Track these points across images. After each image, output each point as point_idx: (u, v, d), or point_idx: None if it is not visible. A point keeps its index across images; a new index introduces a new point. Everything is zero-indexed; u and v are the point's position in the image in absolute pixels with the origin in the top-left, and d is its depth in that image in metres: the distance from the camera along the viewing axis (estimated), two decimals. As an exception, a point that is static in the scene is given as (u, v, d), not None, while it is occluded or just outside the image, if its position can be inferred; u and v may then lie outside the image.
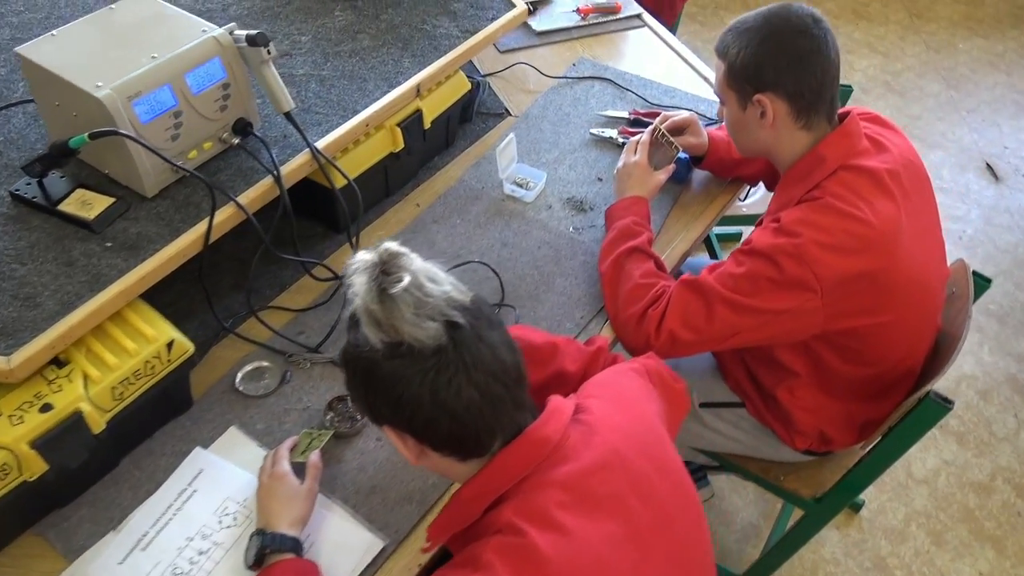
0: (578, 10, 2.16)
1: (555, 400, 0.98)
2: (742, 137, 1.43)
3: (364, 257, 0.86)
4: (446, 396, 0.85)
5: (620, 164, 1.58)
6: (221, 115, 1.32)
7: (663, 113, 1.67)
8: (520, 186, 1.68)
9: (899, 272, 1.30)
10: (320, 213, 1.57)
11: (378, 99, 1.49)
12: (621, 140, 1.78)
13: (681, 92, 1.95)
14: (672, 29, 2.75)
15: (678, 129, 1.64)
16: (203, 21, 1.30)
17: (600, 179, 1.72)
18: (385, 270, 0.84)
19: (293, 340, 1.38)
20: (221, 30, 1.29)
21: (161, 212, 1.26)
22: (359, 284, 0.85)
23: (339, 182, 1.46)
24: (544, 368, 1.24)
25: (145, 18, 1.30)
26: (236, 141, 1.34)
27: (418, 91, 1.55)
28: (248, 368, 1.35)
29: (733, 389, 1.60)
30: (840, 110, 1.39)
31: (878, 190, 1.30)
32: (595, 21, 2.17)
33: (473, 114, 1.84)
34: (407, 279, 0.83)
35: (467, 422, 0.87)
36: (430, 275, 0.87)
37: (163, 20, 1.30)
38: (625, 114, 1.85)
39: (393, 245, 0.86)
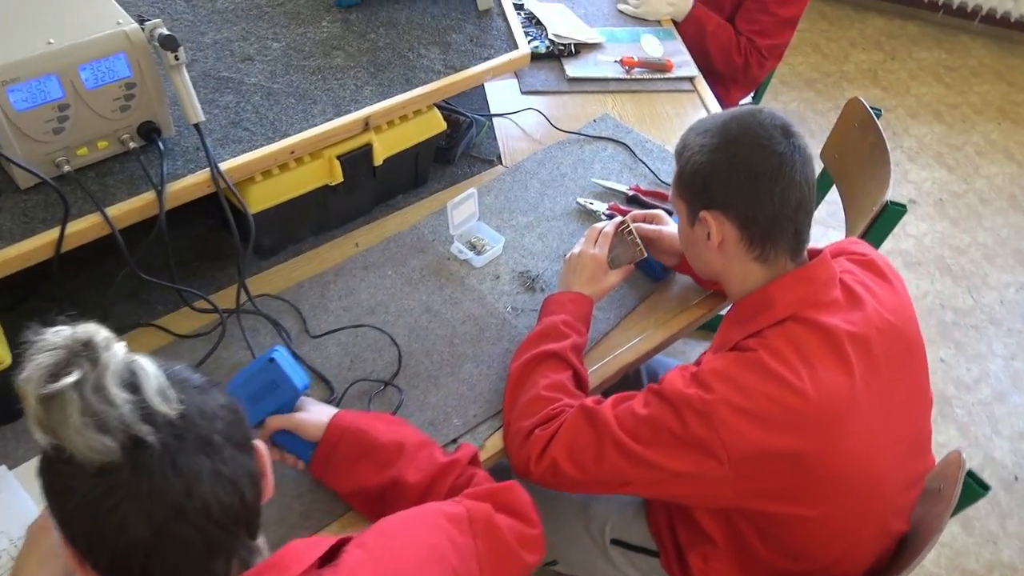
0: (622, 61, 1.95)
1: (291, 549, 0.80)
2: (692, 255, 1.20)
3: (54, 338, 0.70)
4: (105, 527, 0.69)
5: (575, 250, 1.36)
6: (122, 115, 1.21)
7: (653, 212, 1.44)
8: (472, 247, 1.49)
9: (838, 460, 1.04)
10: (243, 237, 1.44)
11: (316, 126, 1.35)
12: (607, 214, 1.56)
13: (701, 175, 1.70)
14: (755, 99, 2.48)
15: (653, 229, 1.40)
16: (122, 12, 1.20)
17: (566, 253, 1.51)
18: (68, 359, 0.69)
19: (152, 369, 1.25)
20: (136, 25, 1.18)
21: (27, 207, 1.17)
22: (34, 367, 0.70)
23: (255, 207, 1.33)
24: (381, 472, 1.06)
25: (60, -1, 1.21)
26: (133, 145, 1.23)
27: (367, 124, 1.39)
28: (94, 389, 1.23)
29: (653, 534, 1.36)
30: (814, 246, 1.13)
31: (830, 355, 1.04)
32: (639, 76, 1.94)
33: (456, 156, 1.67)
34: (77, 376, 0.67)
35: (130, 561, 0.71)
36: (126, 376, 0.70)
37: (80, 4, 1.20)
38: (625, 188, 1.63)
39: (92, 330, 0.70)
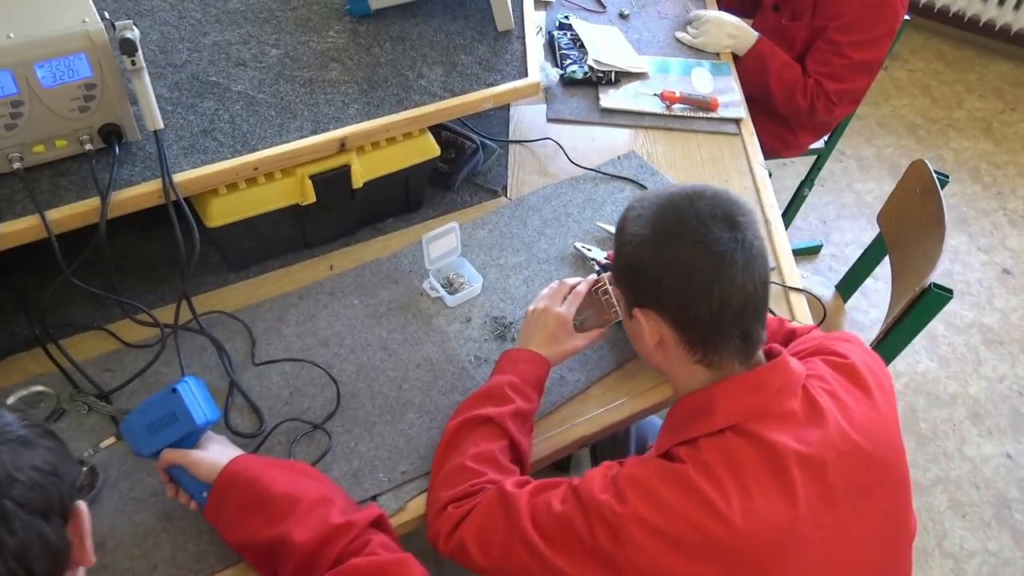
0: (662, 95, 1.80)
1: None
2: (635, 345, 1.06)
3: None
4: None
5: (539, 304, 1.24)
6: (81, 116, 1.18)
7: None
8: (448, 285, 1.40)
9: (770, 602, 0.88)
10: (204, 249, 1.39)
11: (287, 143, 1.29)
12: (601, 266, 1.43)
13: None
14: (828, 142, 2.28)
15: None
16: (92, 10, 1.16)
17: (549, 306, 1.39)
18: None
19: (86, 375, 1.22)
20: (100, 26, 1.14)
21: (-29, 202, 1.15)
22: None
23: (217, 220, 1.28)
24: (269, 527, 0.98)
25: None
26: (90, 147, 1.19)
27: (342, 145, 1.32)
28: (27, 391, 1.21)
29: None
30: (776, 345, 0.97)
31: (771, 479, 0.89)
32: (679, 113, 1.79)
33: (457, 183, 1.57)
34: None
35: None
36: None
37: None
38: (630, 237, 1.49)
39: None
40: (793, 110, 2.01)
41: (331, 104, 1.36)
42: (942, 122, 3.33)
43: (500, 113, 1.77)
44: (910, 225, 1.70)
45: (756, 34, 1.99)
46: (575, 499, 0.94)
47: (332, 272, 1.43)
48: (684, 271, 0.90)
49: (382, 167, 1.40)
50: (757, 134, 2.16)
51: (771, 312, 1.40)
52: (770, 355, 0.98)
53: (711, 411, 0.92)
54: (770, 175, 2.92)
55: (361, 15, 1.53)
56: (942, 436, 2.28)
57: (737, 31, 1.97)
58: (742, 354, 0.94)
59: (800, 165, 2.70)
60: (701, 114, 1.79)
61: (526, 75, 1.46)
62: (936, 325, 2.56)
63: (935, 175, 1.65)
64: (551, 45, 1.94)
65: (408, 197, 1.51)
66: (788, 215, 2.55)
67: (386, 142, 1.39)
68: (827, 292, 1.97)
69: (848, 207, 2.94)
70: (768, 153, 2.25)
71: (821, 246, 2.75)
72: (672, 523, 0.87)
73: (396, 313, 1.36)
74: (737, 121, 1.80)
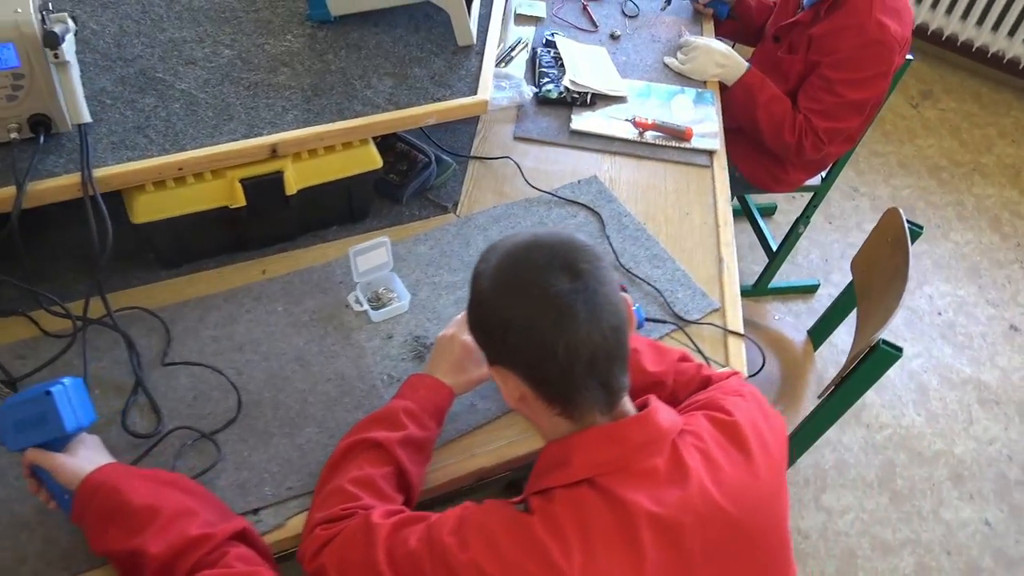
0: (634, 121, 1.75)
1: None
2: (504, 395, 1.02)
3: None
4: None
5: (448, 330, 1.21)
6: (8, 105, 1.19)
7: None
8: (375, 300, 1.38)
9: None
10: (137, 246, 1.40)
11: (217, 145, 1.28)
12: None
13: (676, 275, 1.49)
14: (825, 180, 2.21)
15: None
16: (27, 1, 1.17)
17: (475, 330, 1.36)
18: None
19: (-2, 362, 1.23)
20: (30, 16, 1.15)
21: None
22: None
23: (142, 217, 1.28)
24: (127, 538, 0.97)
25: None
26: (15, 136, 1.20)
27: (274, 151, 1.31)
28: (-64, 370, 1.22)
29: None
30: (651, 397, 0.93)
31: (619, 538, 0.84)
32: (651, 141, 1.74)
33: (405, 196, 1.55)
34: None
35: None
36: None
37: (-12, -12, 1.19)
38: (572, 265, 1.45)
39: None
40: (780, 146, 1.94)
41: (271, 109, 1.35)
42: (968, 166, 3.21)
43: (467, 127, 1.74)
44: (878, 276, 1.63)
45: (746, 65, 1.93)
46: (428, 537, 0.91)
47: (264, 276, 1.42)
48: (525, 327, 0.86)
49: (319, 175, 1.39)
50: (747, 168, 2.12)
51: (701, 354, 1.35)
52: (645, 407, 0.93)
53: (568, 462, 0.88)
54: (775, 209, 2.86)
55: (322, 21, 1.52)
56: (919, 495, 2.18)
57: (726, 60, 1.91)
58: (603, 404, 0.89)
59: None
60: (674, 143, 1.74)
61: (475, 93, 1.42)
62: (930, 378, 2.46)
63: (908, 226, 1.57)
64: (532, 62, 1.91)
65: (351, 207, 1.49)
66: (783, 251, 2.47)
67: (324, 150, 1.37)
68: (798, 336, 1.90)
69: (854, 247, 2.82)
70: (758, 188, 2.19)
71: (818, 285, 2.67)
72: (507, 574, 0.83)
73: (318, 324, 1.35)
74: (710, 153, 1.74)
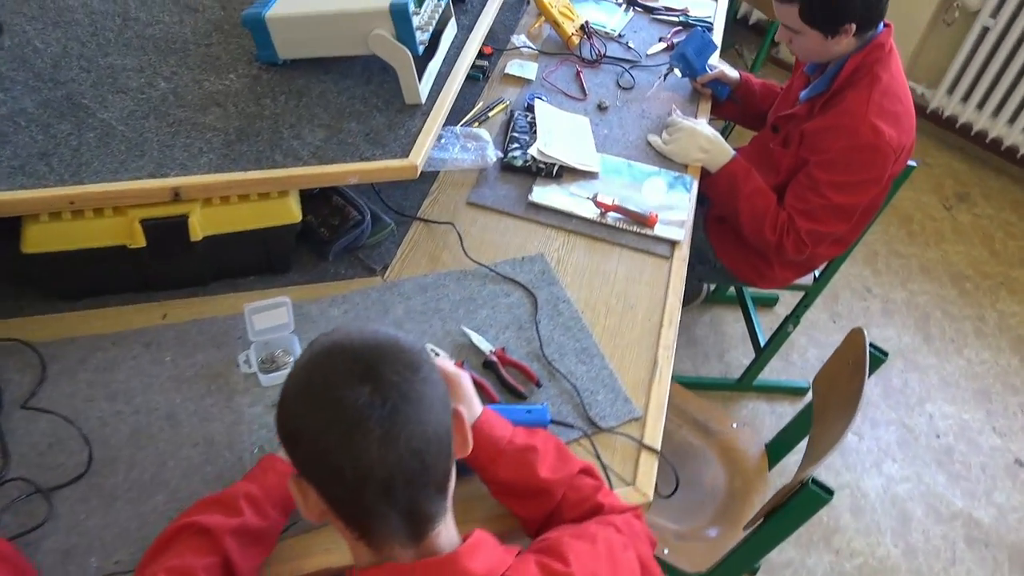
0: (595, 200, 1.65)
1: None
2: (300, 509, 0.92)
3: None
4: None
5: None
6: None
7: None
8: (268, 362, 1.29)
9: None
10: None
11: (117, 181, 1.22)
12: (440, 378, 1.29)
13: (601, 375, 1.38)
14: (818, 280, 2.07)
15: None
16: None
17: (368, 409, 1.26)
18: None
19: None
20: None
21: None
22: None
23: (33, 247, 1.23)
24: None
25: None
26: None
27: (176, 194, 1.24)
28: None
29: None
30: (479, 530, 0.82)
31: None
32: (611, 223, 1.64)
33: (332, 252, 1.47)
34: None
35: None
36: None
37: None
38: (488, 349, 1.35)
39: None
40: (761, 242, 1.82)
41: (187, 150, 1.29)
42: (996, 279, 3.01)
43: (421, 184, 1.66)
44: (835, 400, 1.49)
45: (731, 152, 1.82)
46: None
47: (163, 321, 1.35)
48: (313, 440, 0.76)
49: (230, 224, 1.32)
50: (731, 260, 1.99)
51: (603, 467, 1.22)
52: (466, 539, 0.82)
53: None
54: (776, 300, 2.70)
55: (268, 62, 1.47)
56: (881, 638, 1.99)
57: (711, 145, 1.80)
58: (404, 535, 0.79)
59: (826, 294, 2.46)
60: (635, 228, 1.63)
61: (405, 156, 1.34)
62: (914, 507, 2.26)
63: (870, 350, 1.43)
64: (508, 125, 1.82)
65: (270, 258, 1.42)
66: (770, 349, 2.32)
67: (238, 199, 1.31)
68: (754, 449, 1.75)
69: (857, 351, 2.66)
70: (743, 282, 2.06)
71: (807, 389, 2.50)
72: None
73: (202, 381, 1.27)
74: (672, 244, 1.63)
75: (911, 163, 1.84)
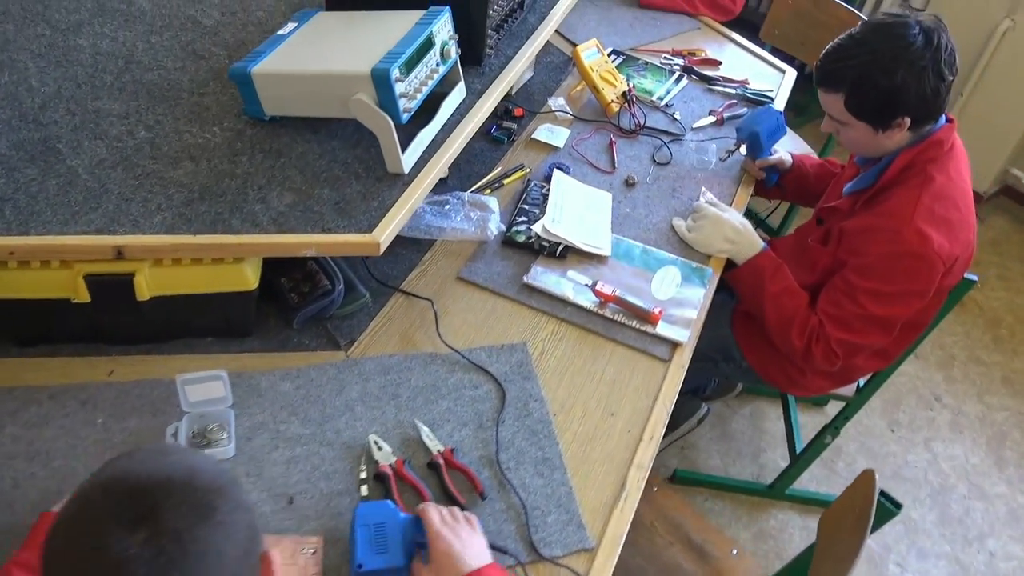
0: (595, 289, 1.51)
1: None
2: None
3: None
4: None
5: None
6: None
7: None
8: (199, 437, 1.21)
9: None
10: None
11: (62, 235, 1.18)
12: (381, 470, 1.19)
13: (558, 492, 1.24)
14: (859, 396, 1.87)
15: None
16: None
17: (291, 500, 1.17)
18: None
19: None
20: None
21: None
22: None
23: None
24: None
25: None
26: None
27: (120, 253, 1.19)
28: None
29: None
30: None
31: None
32: (609, 316, 1.49)
33: (296, 321, 1.39)
34: None
35: None
36: None
37: None
38: (438, 448, 1.23)
39: None
40: (787, 347, 1.63)
41: (145, 205, 1.24)
42: None
43: (412, 254, 1.57)
44: (836, 548, 1.29)
45: (760, 245, 1.64)
46: None
47: (108, 378, 1.29)
48: None
49: (180, 286, 1.26)
50: (758, 360, 1.81)
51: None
52: None
53: None
54: (828, 400, 2.45)
55: (255, 117, 1.41)
56: None
57: (737, 236, 1.64)
58: None
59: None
60: (635, 323, 1.48)
61: (369, 232, 1.25)
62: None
63: (880, 500, 1.23)
64: (521, 195, 1.71)
65: (229, 323, 1.35)
66: (807, 457, 2.10)
67: (190, 261, 1.24)
68: (753, 583, 1.55)
69: (913, 467, 2.39)
70: (771, 385, 1.87)
71: (848, 505, 2.24)
72: None
73: (128, 449, 1.19)
74: (674, 346, 1.47)
75: (970, 277, 1.61)
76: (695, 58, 2.23)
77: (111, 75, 1.46)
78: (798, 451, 2.13)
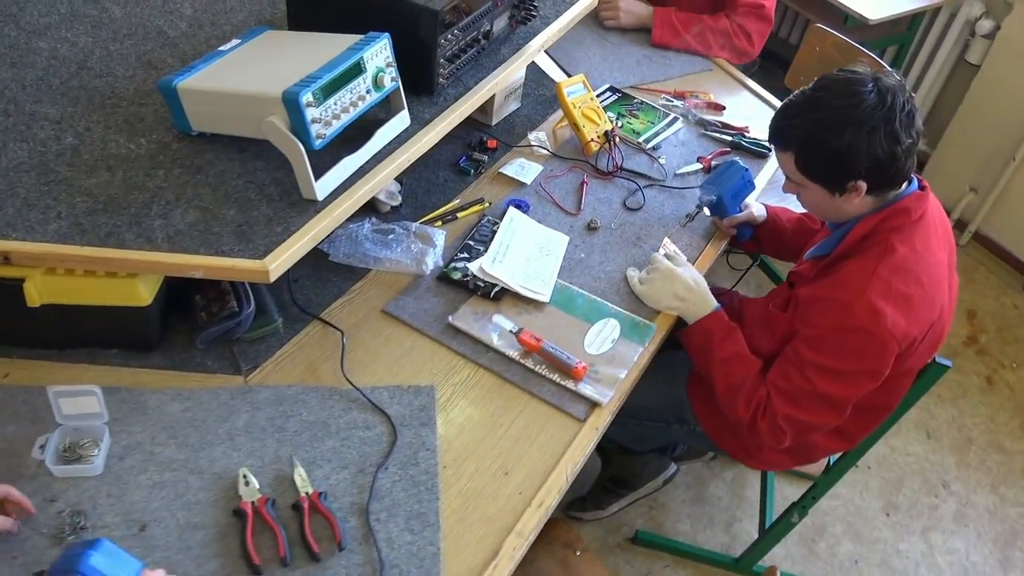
0: (519, 337, 1.43)
1: None
2: None
3: None
4: None
5: None
6: None
7: None
8: (69, 451, 1.19)
9: None
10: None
11: (-49, 233, 1.18)
12: (241, 506, 1.14)
13: (424, 552, 1.16)
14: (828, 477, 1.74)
15: None
16: None
17: (144, 528, 1.13)
18: None
19: None
20: None
21: None
22: None
23: None
24: None
25: None
26: None
27: (6, 258, 1.18)
28: None
29: None
30: None
31: None
32: (531, 366, 1.41)
33: (200, 341, 1.36)
34: None
35: None
36: None
37: None
38: (305, 491, 1.18)
39: None
40: (733, 417, 1.51)
41: (45, 212, 1.23)
42: None
43: (342, 281, 1.53)
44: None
45: (712, 306, 1.53)
46: None
47: (3, 380, 1.28)
48: None
49: (73, 295, 1.25)
50: (713, 427, 1.70)
51: None
52: None
53: None
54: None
55: (183, 131, 1.39)
56: None
57: (689, 294, 1.53)
58: None
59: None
60: (556, 377, 1.40)
61: (258, 259, 1.21)
62: None
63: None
64: (471, 229, 1.65)
65: (129, 335, 1.33)
66: (771, 535, 1.95)
67: (84, 272, 1.23)
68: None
69: (904, 557, 2.20)
70: (727, 454, 1.74)
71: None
72: None
73: (-8, 459, 1.18)
74: (594, 405, 1.37)
75: (943, 362, 1.47)
76: (697, 100, 2.13)
77: (59, 79, 1.47)
78: (768, 523, 1.98)
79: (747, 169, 1.68)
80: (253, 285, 1.42)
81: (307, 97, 1.22)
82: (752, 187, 1.70)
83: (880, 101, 1.28)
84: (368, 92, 1.36)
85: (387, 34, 1.38)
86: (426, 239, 1.59)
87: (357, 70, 1.32)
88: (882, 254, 1.35)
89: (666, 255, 1.62)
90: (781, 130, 1.38)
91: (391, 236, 1.60)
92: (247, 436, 1.26)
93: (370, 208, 1.67)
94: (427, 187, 1.76)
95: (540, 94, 2.09)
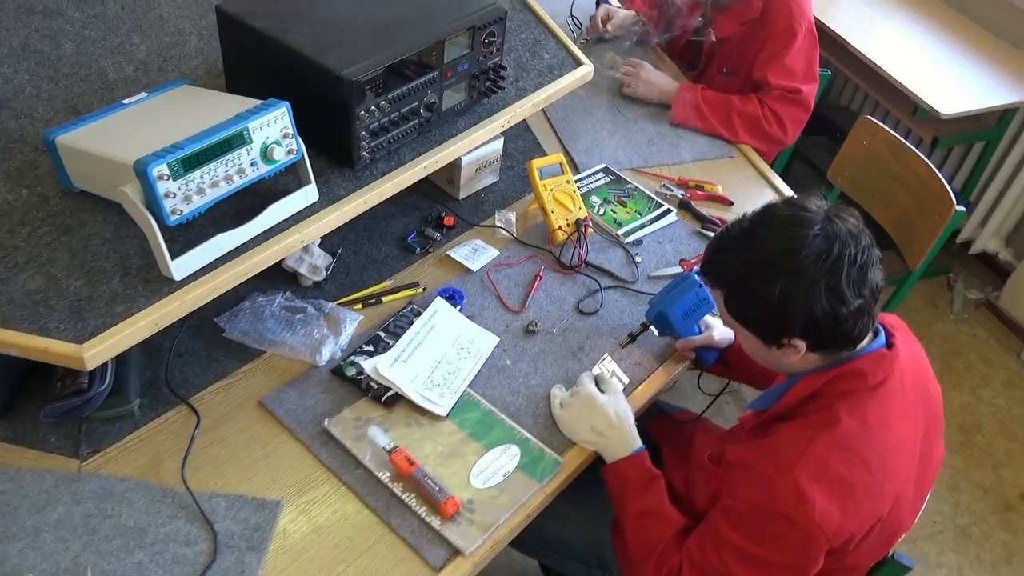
0: (391, 456, 1.24)
1: None
2: None
3: None
4: None
5: None
6: None
7: None
8: None
9: None
10: None
11: None
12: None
13: None
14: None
15: None
16: None
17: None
18: None
19: None
20: None
21: None
22: None
23: None
24: None
25: None
26: None
27: None
28: None
29: None
30: None
31: None
32: (399, 493, 1.22)
33: (44, 415, 1.25)
34: None
35: None
36: None
37: None
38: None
39: None
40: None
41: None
42: None
43: (231, 361, 1.40)
44: None
45: (633, 448, 1.30)
46: None
47: None
48: None
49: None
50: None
51: None
52: None
53: None
54: None
55: (68, 188, 1.30)
56: None
57: (608, 431, 1.31)
58: None
59: None
60: (422, 511, 1.21)
61: (85, 341, 1.09)
62: None
63: None
64: (391, 317, 1.49)
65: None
66: None
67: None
68: None
69: None
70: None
71: None
72: None
73: None
74: (456, 553, 1.17)
75: (902, 560, 1.18)
76: (700, 192, 1.90)
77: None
78: None
79: (702, 286, 1.44)
80: (119, 357, 1.30)
81: (159, 169, 1.10)
82: (711, 306, 1.46)
83: (825, 250, 1.04)
84: (253, 165, 1.23)
85: (286, 102, 1.25)
86: (334, 324, 1.44)
87: (239, 140, 1.19)
88: (822, 424, 1.10)
89: (598, 376, 1.40)
90: (711, 264, 1.15)
91: (299, 316, 1.45)
92: (54, 534, 1.13)
93: (293, 280, 1.54)
94: (364, 262, 1.62)
95: (525, 169, 1.91)
